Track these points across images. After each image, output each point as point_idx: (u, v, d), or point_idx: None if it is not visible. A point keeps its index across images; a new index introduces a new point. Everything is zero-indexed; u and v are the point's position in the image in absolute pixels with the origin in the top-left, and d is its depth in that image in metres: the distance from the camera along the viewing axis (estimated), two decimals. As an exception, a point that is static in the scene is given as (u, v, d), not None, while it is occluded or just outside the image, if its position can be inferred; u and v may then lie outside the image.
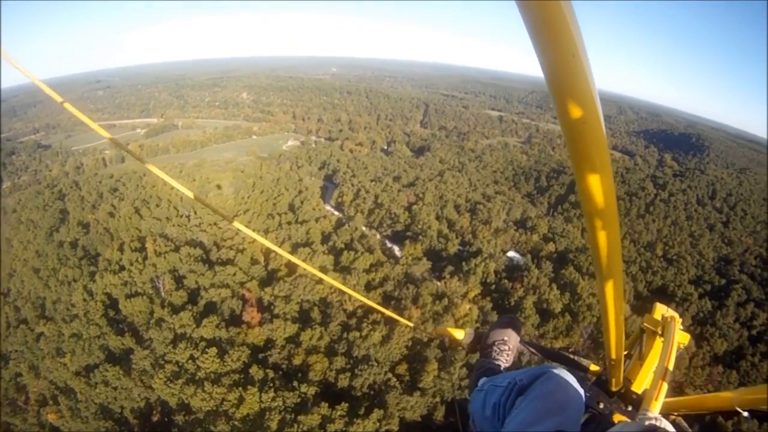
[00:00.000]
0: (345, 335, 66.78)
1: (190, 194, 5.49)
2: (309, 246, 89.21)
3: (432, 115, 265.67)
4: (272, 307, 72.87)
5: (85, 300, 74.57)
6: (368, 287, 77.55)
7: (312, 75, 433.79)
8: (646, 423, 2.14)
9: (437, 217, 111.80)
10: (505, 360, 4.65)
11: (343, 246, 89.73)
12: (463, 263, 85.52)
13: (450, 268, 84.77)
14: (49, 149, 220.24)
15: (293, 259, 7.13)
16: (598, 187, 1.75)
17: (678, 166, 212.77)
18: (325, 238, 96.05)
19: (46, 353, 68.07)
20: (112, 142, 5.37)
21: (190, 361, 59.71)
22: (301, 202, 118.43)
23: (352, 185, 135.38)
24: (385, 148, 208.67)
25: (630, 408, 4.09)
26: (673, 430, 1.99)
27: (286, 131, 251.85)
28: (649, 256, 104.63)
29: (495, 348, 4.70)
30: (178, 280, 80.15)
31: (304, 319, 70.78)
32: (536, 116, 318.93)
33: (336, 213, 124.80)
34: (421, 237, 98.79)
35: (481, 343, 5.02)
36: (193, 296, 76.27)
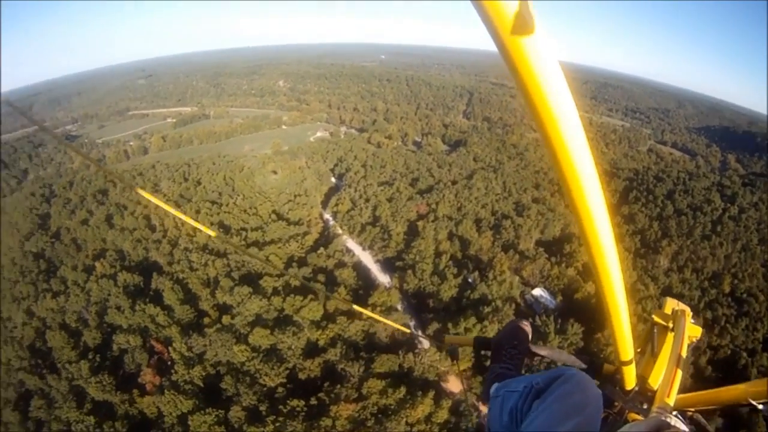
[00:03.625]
0: (245, 429, 46.71)
1: (212, 234, 5.25)
2: (251, 282, 68.67)
3: (476, 104, 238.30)
4: (173, 371, 55.86)
5: (24, 324, 69.22)
6: (306, 353, 56.08)
7: (358, 62, 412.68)
8: (654, 420, 2.23)
9: (449, 236, 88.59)
10: (516, 365, 4.26)
11: (297, 284, 67.83)
12: (450, 325, 59.58)
13: (435, 325, 60.83)
14: (75, 141, 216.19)
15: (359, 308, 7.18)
16: (581, 180, 1.67)
17: (743, 169, 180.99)
18: (288, 267, 75.20)
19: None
20: (71, 149, 4.47)
21: (75, 423, 51.61)
22: (288, 211, 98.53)
23: (355, 190, 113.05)
24: (419, 140, 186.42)
25: (645, 405, 3.98)
26: (683, 426, 2.12)
27: (318, 121, 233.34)
28: (715, 293, 78.52)
29: (505, 353, 4.31)
30: (102, 315, 68.11)
31: (210, 389, 53.48)
32: (590, 108, 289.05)
33: (333, 222, 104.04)
34: (409, 271, 75.11)
35: (491, 349, 4.61)
36: (108, 338, 63.94)
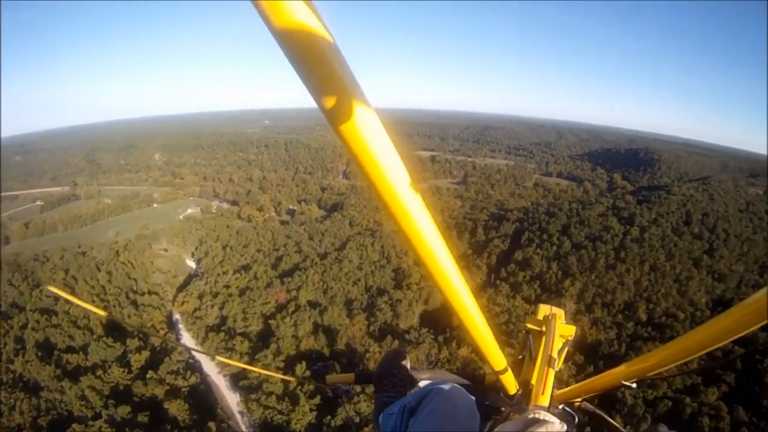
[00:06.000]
0: None
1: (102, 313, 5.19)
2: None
3: (355, 164, 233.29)
4: None
5: None
6: None
7: (241, 129, 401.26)
8: (523, 418, 2.37)
9: (314, 328, 79.21)
10: (399, 392, 4.25)
11: None
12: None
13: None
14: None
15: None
16: (400, 202, 1.54)
17: (630, 185, 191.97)
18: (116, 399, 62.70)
19: None
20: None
21: None
22: (126, 317, 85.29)
23: (206, 282, 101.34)
24: (293, 208, 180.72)
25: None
26: (553, 419, 2.24)
27: (191, 196, 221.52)
28: (632, 326, 76.31)
29: (387, 382, 4.34)
30: None
31: None
32: (473, 152, 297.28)
33: (180, 326, 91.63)
34: (253, 395, 63.67)
35: (374, 381, 4.59)
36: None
